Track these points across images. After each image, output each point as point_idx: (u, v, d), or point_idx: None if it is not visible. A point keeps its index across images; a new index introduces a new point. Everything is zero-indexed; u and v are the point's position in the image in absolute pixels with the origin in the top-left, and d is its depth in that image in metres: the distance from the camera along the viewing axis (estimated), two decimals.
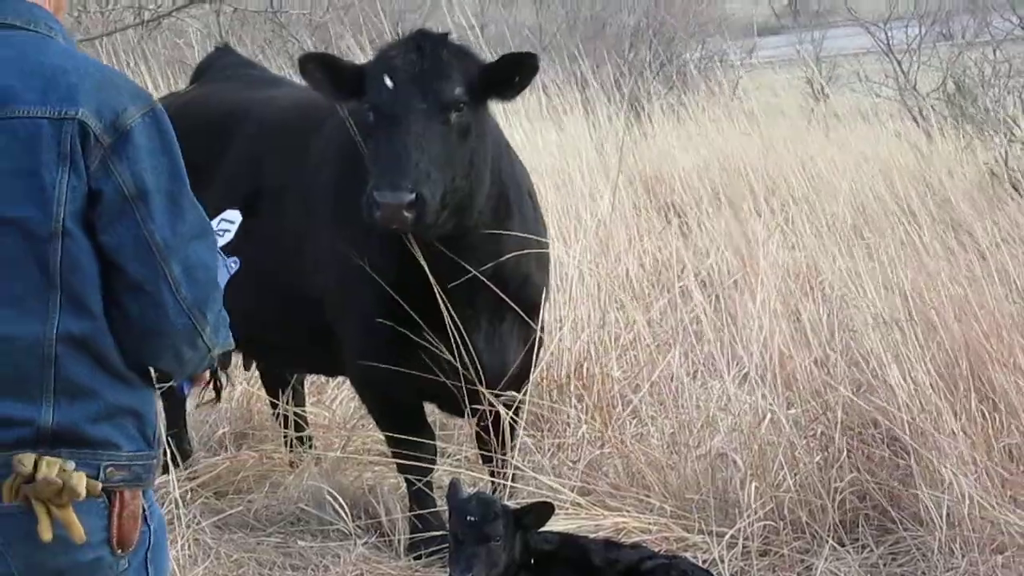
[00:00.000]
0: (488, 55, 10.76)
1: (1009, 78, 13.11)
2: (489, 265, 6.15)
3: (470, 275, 6.06)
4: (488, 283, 6.13)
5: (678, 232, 9.60)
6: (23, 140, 3.10)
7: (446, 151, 5.88)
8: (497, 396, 6.31)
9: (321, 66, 6.14)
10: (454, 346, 6.13)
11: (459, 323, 6.11)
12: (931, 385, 6.35)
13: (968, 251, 7.33)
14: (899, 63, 15.95)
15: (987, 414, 6.32)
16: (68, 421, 3.14)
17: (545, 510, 5.52)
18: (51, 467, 3.10)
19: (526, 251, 6.29)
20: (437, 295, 6.03)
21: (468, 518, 5.38)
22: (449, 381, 6.17)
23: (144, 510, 3.29)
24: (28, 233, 3.10)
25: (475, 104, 6.03)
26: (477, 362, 6.20)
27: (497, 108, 10.84)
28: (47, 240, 3.10)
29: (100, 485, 3.18)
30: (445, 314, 6.07)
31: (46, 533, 3.12)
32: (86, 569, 3.24)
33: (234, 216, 3.67)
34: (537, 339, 6.54)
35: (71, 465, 3.12)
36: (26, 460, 3.10)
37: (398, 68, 5.96)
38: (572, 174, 9.80)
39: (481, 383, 6.24)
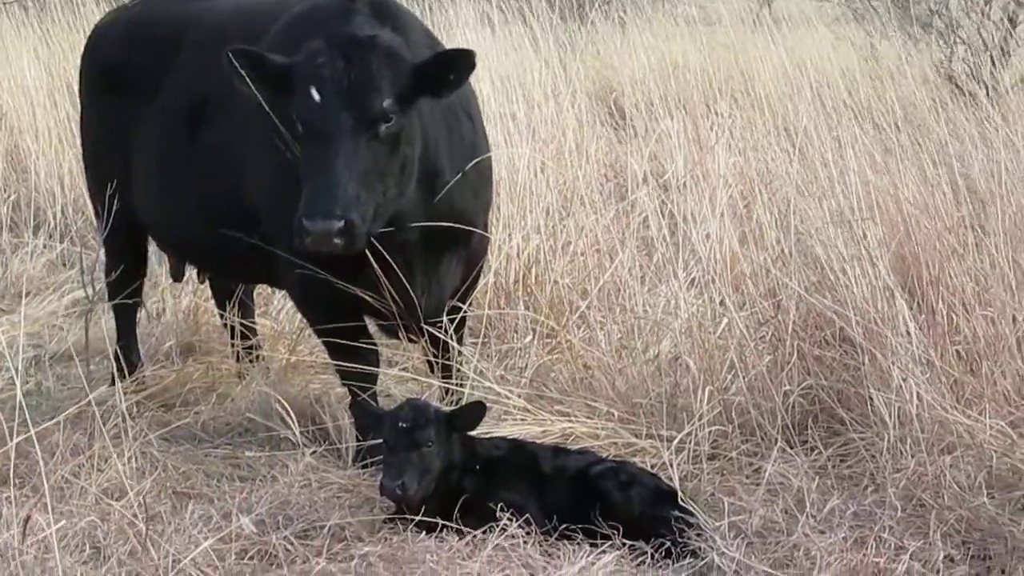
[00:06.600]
0: None
1: None
2: (420, 224, 6.07)
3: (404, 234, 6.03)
4: (423, 231, 6.07)
5: (626, 137, 9.55)
6: None
7: (376, 167, 5.73)
8: (441, 322, 6.32)
9: (248, 62, 5.95)
10: (388, 292, 6.11)
11: (395, 270, 6.07)
12: (884, 286, 6.33)
13: (923, 151, 7.29)
14: None
15: (940, 314, 6.33)
16: None
17: (477, 410, 5.53)
18: None
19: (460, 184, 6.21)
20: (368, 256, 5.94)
21: (400, 424, 5.38)
22: (383, 301, 6.14)
23: None
24: None
25: (406, 108, 5.84)
26: (415, 304, 6.19)
27: (443, 17, 10.81)
28: None
29: None
30: (378, 271, 6.01)
31: None
32: None
33: None
34: (483, 247, 6.52)
35: None
36: None
37: (325, 80, 5.75)
38: (517, 79, 9.71)
39: (418, 321, 6.25)
